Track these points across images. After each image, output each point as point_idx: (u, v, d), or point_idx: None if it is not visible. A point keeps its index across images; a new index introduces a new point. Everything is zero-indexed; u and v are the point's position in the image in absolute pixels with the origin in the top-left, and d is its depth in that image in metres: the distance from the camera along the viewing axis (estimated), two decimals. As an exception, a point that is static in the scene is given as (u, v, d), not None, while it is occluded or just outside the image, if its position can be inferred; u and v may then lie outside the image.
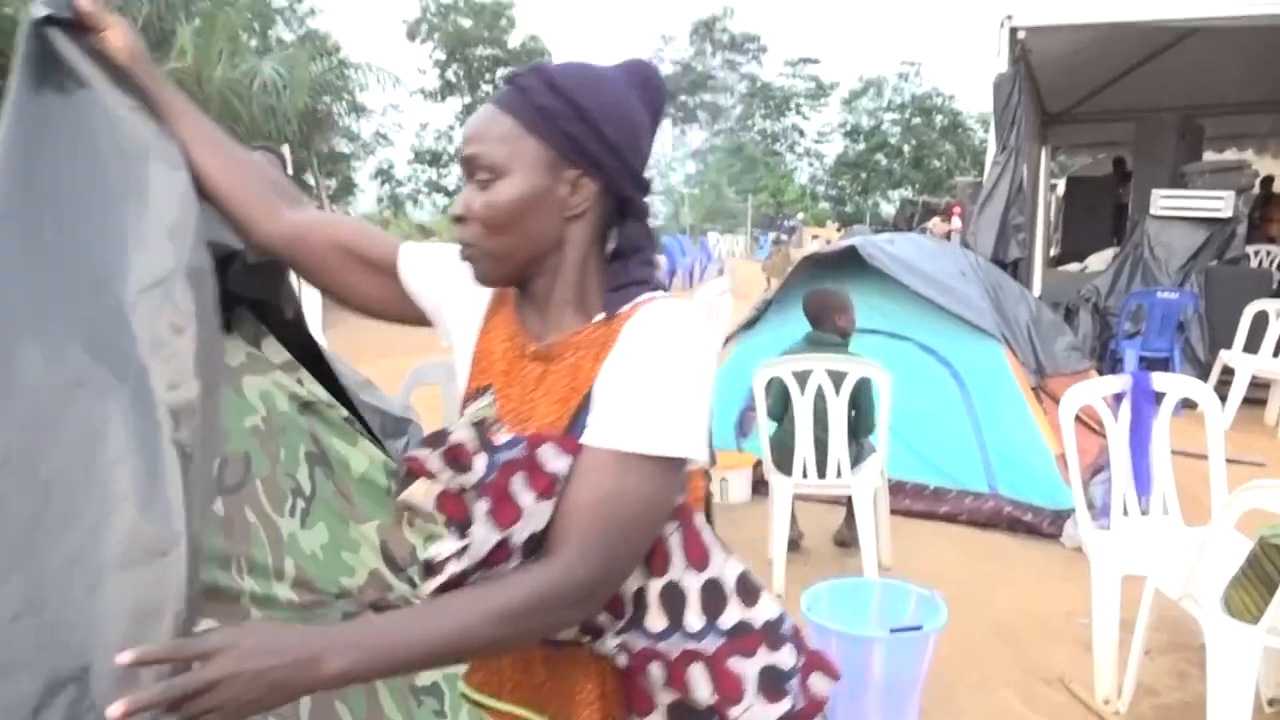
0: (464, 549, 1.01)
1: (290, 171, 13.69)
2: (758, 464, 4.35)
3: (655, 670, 1.07)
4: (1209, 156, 8.97)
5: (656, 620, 1.07)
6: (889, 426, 3.69)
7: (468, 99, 44.10)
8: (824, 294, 3.97)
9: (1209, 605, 2.39)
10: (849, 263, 5.00)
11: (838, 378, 3.51)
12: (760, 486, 4.49)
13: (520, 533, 1.00)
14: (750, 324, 5.32)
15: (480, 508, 1.01)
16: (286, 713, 1.65)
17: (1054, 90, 9.51)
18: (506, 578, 0.99)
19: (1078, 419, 2.99)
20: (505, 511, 1.00)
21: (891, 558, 3.90)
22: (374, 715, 1.84)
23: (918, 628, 2.63)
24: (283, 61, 11.63)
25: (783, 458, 3.70)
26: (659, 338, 1.02)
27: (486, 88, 44.05)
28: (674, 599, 1.07)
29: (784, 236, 24.36)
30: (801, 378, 3.53)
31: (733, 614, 1.09)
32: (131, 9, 12.01)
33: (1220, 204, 7.36)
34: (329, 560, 1.87)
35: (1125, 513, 3.01)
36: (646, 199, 1.13)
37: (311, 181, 16.81)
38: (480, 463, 1.03)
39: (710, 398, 1.05)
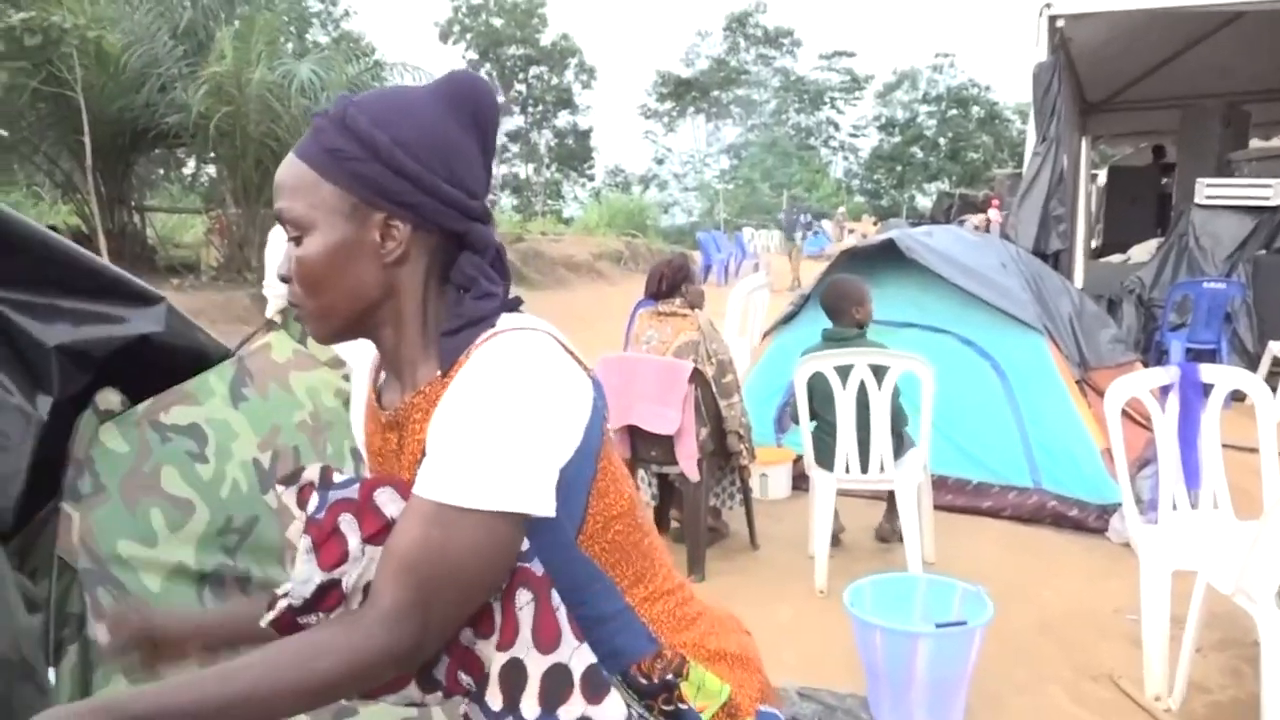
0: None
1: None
2: (797, 459, 4.33)
3: None
4: (1255, 144, 8.79)
5: (494, 697, 0.97)
6: (930, 421, 3.66)
7: (501, 98, 44.30)
8: (840, 285, 3.95)
9: (1264, 601, 2.34)
10: (887, 256, 4.96)
11: (880, 372, 3.49)
12: (800, 481, 4.48)
13: (350, 577, 0.96)
14: (788, 319, 5.30)
15: (302, 544, 0.97)
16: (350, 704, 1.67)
17: (1094, 79, 9.38)
18: (313, 634, 0.92)
19: (1124, 412, 2.95)
20: (328, 551, 0.96)
21: (934, 553, 3.87)
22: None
23: (963, 623, 2.61)
24: (319, 63, 11.74)
25: (824, 453, 3.69)
26: (484, 382, 0.94)
27: (519, 87, 44.30)
28: (514, 679, 0.96)
29: (810, 229, 20.86)
30: (843, 372, 3.52)
31: (574, 708, 0.96)
32: (173, 15, 12.22)
33: (1268, 191, 7.22)
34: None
35: (1174, 507, 2.96)
36: (483, 226, 1.04)
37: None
38: (314, 501, 1.00)
39: (557, 444, 0.97)
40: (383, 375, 1.14)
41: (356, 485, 0.98)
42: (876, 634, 2.58)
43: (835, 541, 3.99)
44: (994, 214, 19.27)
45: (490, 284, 1.03)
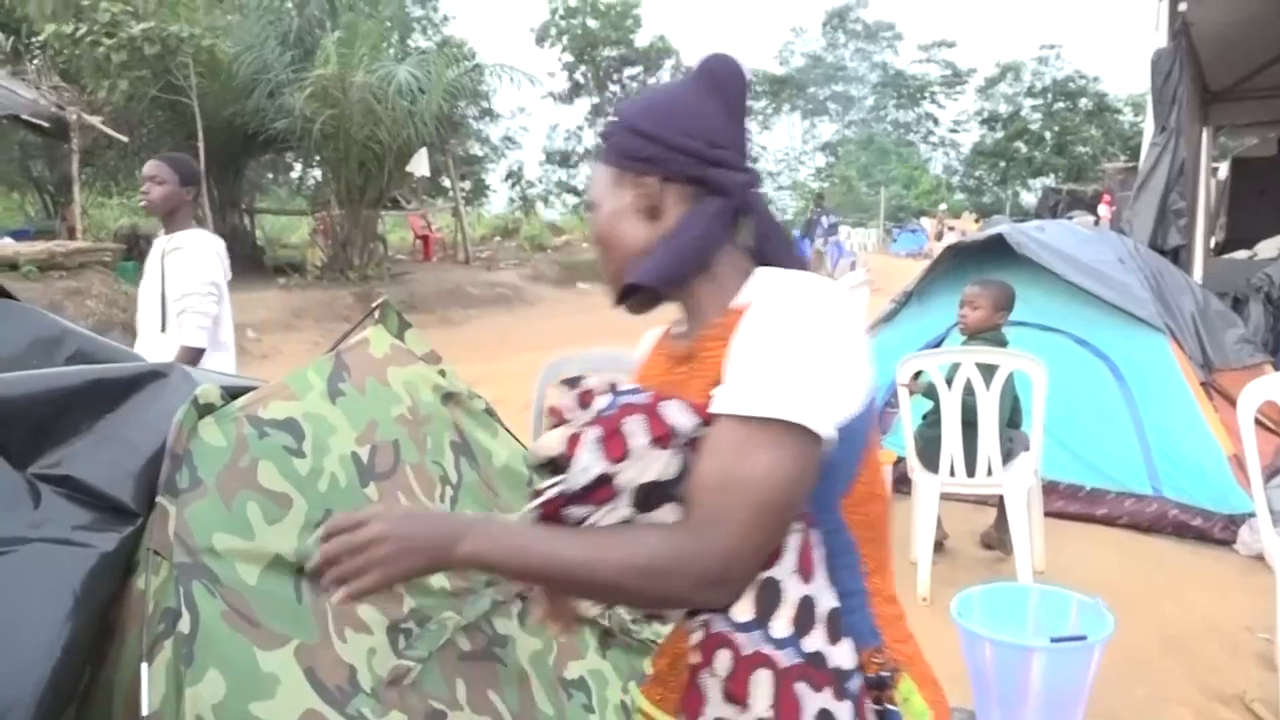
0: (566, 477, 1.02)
1: (428, 174, 14.12)
2: (899, 461, 4.20)
3: (721, 661, 1.00)
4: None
5: (744, 610, 1.00)
6: (1043, 423, 3.48)
7: (595, 99, 44.58)
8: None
9: None
10: (994, 252, 4.77)
11: (988, 371, 3.34)
12: (902, 484, 4.33)
13: (627, 474, 0.99)
14: (889, 317, 5.15)
15: (590, 435, 1.01)
16: (445, 698, 1.65)
17: (1217, 66, 8.88)
18: (645, 531, 0.99)
19: (1254, 418, 2.75)
20: (613, 445, 1.00)
21: (1044, 562, 3.69)
22: (526, 705, 1.82)
23: (1082, 638, 2.46)
24: (417, 66, 11.96)
25: (928, 454, 3.55)
26: (785, 310, 1.01)
27: (614, 88, 44.48)
28: (769, 596, 1.00)
29: (832, 232, 18.04)
30: (949, 371, 3.38)
31: (815, 641, 1.00)
32: (282, 24, 12.60)
33: None
34: (474, 551, 1.86)
35: (1315, 518, 2.75)
36: (723, 171, 1.12)
37: (448, 184, 17.27)
38: (603, 400, 1.05)
39: (842, 372, 1.00)
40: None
41: (646, 394, 1.03)
42: (986, 646, 2.45)
43: (938, 548, 3.84)
44: (1104, 210, 18.53)
45: (714, 230, 1.13)
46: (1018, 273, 4.68)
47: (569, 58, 42.96)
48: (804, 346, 0.98)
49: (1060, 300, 4.60)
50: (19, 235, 10.37)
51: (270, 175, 20.75)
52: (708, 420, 1.00)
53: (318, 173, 16.11)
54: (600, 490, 1.00)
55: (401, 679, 1.57)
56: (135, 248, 13.42)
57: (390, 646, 1.61)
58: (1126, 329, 4.44)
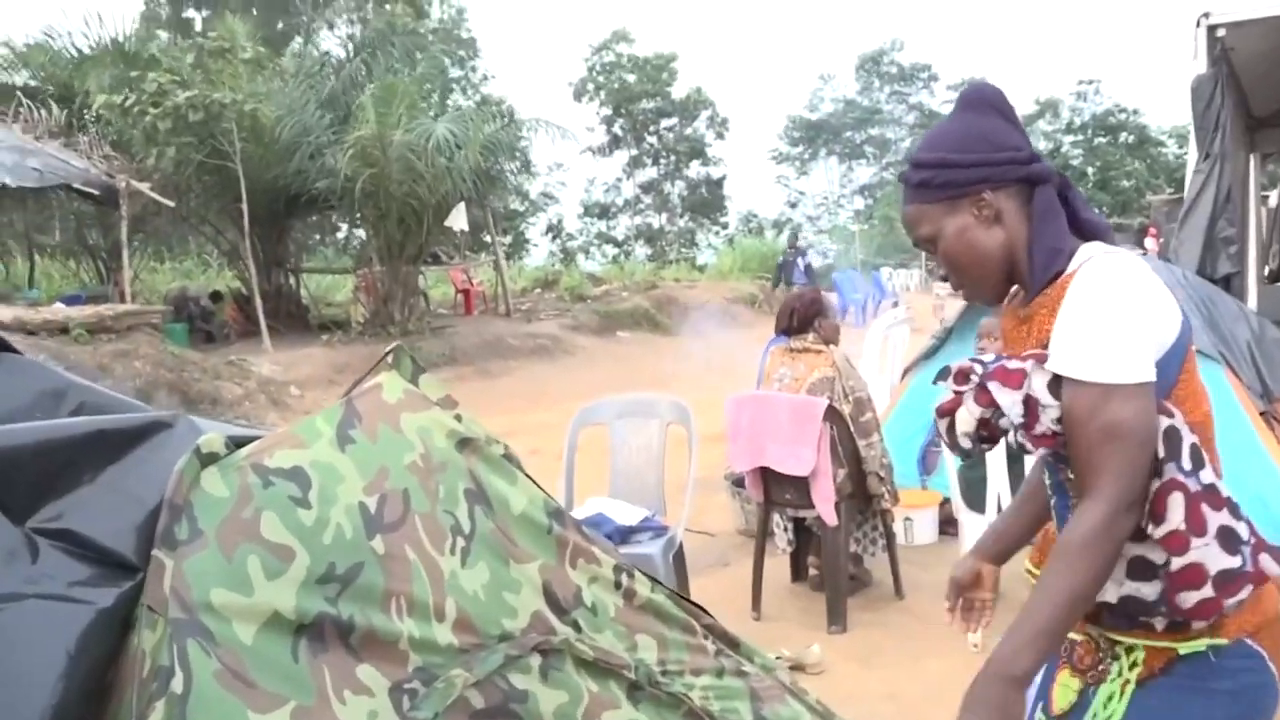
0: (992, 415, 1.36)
1: (467, 228, 14.27)
2: (945, 502, 4.06)
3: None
4: None
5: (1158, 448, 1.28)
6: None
7: (634, 150, 45.08)
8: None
9: None
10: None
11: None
12: (948, 526, 4.18)
13: (1007, 418, 1.34)
14: (929, 354, 5.02)
15: (993, 384, 1.34)
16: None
17: (1261, 91, 8.69)
18: (1071, 528, 1.26)
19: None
20: (1010, 378, 1.33)
21: (1103, 604, 3.51)
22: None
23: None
24: (455, 122, 12.15)
25: (973, 494, 3.42)
26: (1093, 288, 1.29)
27: (651, 139, 44.95)
28: (1173, 440, 1.29)
29: (808, 273, 17.51)
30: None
31: (1207, 476, 1.29)
32: (319, 88, 12.89)
33: None
34: (490, 600, 1.78)
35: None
36: (1039, 165, 1.41)
37: (489, 238, 17.47)
38: (978, 369, 1.39)
39: (1149, 324, 1.30)
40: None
41: (993, 360, 1.39)
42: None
43: (990, 592, 3.69)
44: (1151, 244, 18.19)
45: (1057, 211, 1.39)
46: (1061, 305, 4.56)
47: (606, 111, 43.54)
48: (1118, 312, 1.27)
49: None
50: (71, 301, 10.61)
51: (318, 236, 21.19)
52: (1037, 357, 1.32)
53: (361, 232, 16.38)
54: (1027, 417, 1.32)
55: (408, 740, 1.49)
56: (184, 309, 13.71)
57: (394, 709, 1.53)
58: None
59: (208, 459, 1.51)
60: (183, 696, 1.28)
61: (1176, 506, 1.26)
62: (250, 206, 12.03)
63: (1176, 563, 1.26)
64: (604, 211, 46.79)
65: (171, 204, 11.39)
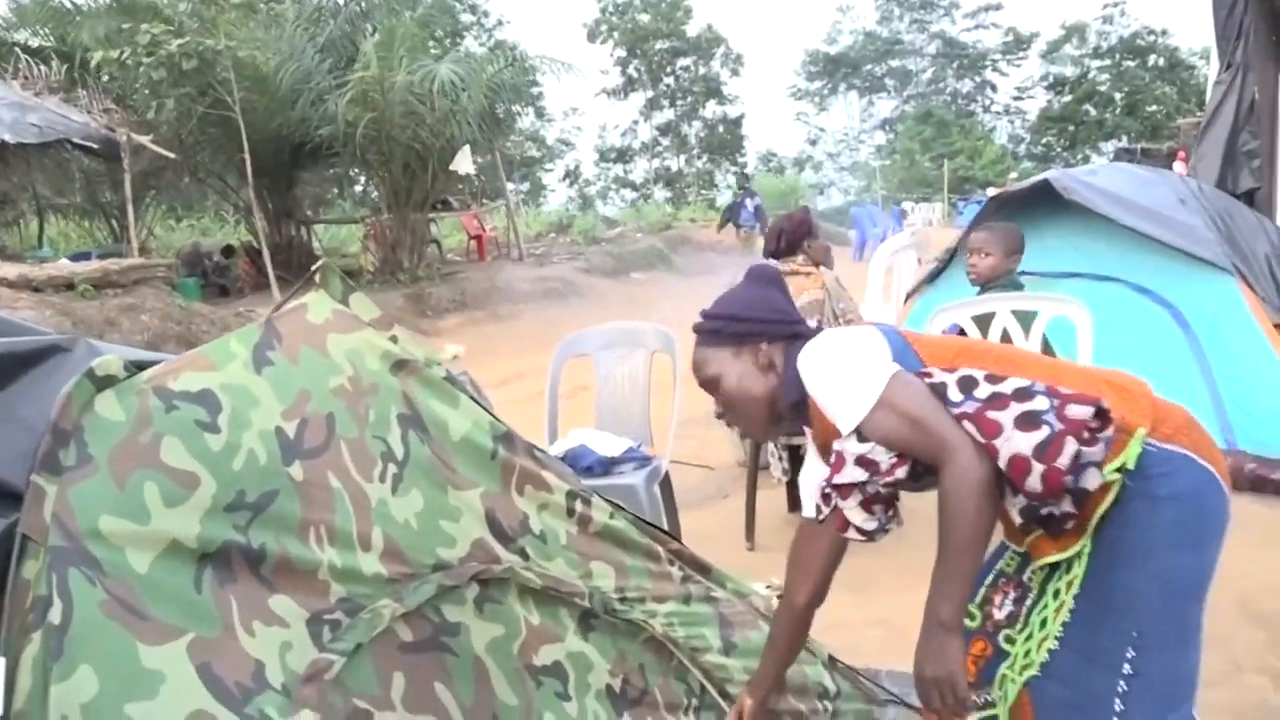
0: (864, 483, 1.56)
1: (473, 171, 14.09)
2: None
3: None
4: None
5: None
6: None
7: (649, 92, 44.41)
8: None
9: None
10: (1043, 202, 4.46)
11: (1026, 319, 3.06)
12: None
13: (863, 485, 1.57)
14: (932, 277, 4.86)
15: (835, 489, 1.60)
16: (374, 695, 1.49)
17: (1289, -2, 8.29)
18: (940, 500, 1.44)
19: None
20: (836, 470, 1.56)
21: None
22: (483, 697, 1.65)
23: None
24: (458, 63, 11.90)
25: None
26: (812, 362, 1.62)
27: (667, 80, 44.20)
28: (939, 389, 1.48)
29: (758, 215, 18.04)
30: (983, 322, 3.11)
31: (981, 391, 1.46)
32: (318, 32, 12.67)
33: None
34: (425, 529, 1.69)
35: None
36: (801, 326, 1.74)
37: (502, 184, 17.26)
38: (825, 491, 1.64)
39: (866, 346, 1.60)
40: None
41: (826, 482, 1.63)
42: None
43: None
44: (1179, 167, 17.69)
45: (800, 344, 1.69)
46: (1069, 222, 4.39)
47: (621, 53, 42.86)
48: (835, 358, 1.60)
49: (1117, 248, 4.27)
50: (80, 258, 10.58)
51: (336, 190, 21.02)
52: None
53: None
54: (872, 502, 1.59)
55: (321, 674, 1.40)
56: (198, 265, 13.68)
57: (311, 640, 1.45)
58: (1190, 273, 4.09)
59: (104, 382, 1.41)
60: (61, 627, 1.20)
61: (971, 429, 1.43)
62: (256, 158, 11.89)
63: (1002, 464, 1.40)
64: (621, 155, 46.31)
65: (173, 155, 11.27)
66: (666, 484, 3.35)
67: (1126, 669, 1.44)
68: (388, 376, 1.78)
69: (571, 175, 43.89)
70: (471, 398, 1.94)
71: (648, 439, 3.42)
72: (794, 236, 3.60)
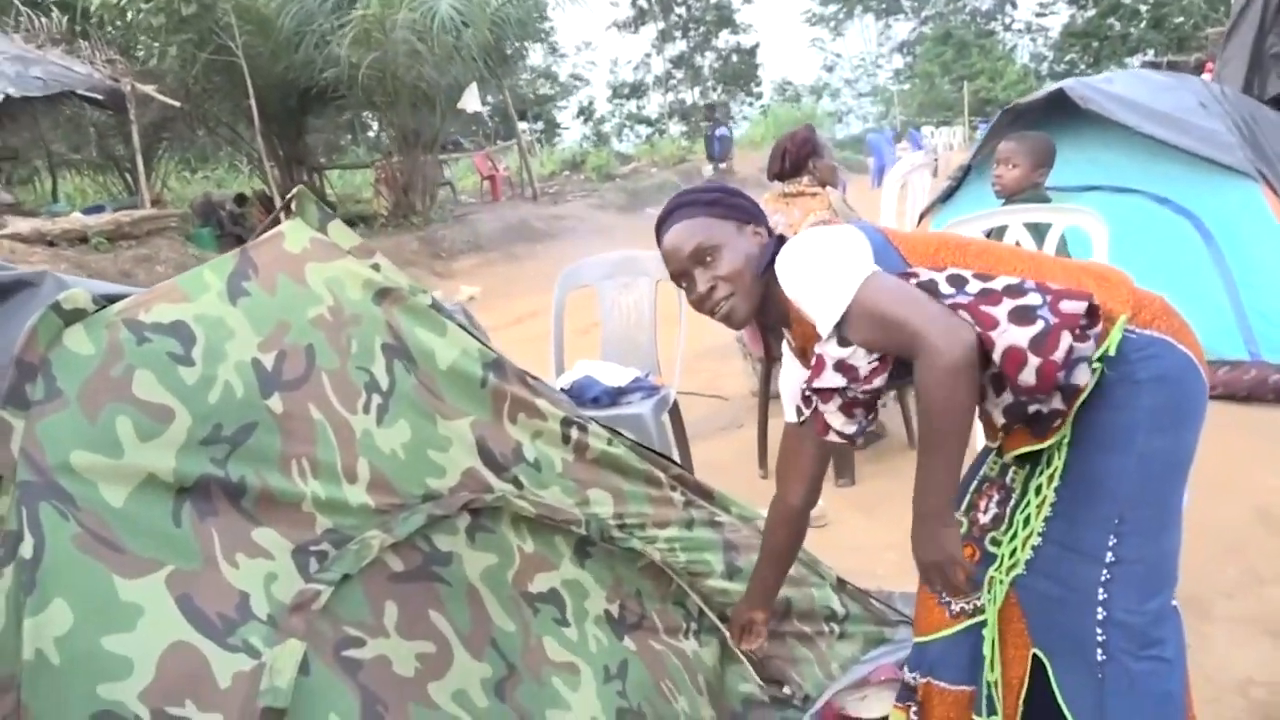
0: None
1: (480, 109, 13.91)
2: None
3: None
4: None
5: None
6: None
7: (661, 24, 43.49)
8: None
9: None
10: (1058, 113, 4.31)
11: (1040, 231, 2.97)
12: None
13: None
14: (946, 196, 4.74)
15: (815, 391, 1.57)
16: (366, 623, 1.47)
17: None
18: (919, 397, 1.42)
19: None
20: (816, 374, 1.54)
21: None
22: (480, 622, 1.63)
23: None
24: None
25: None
26: (789, 263, 1.57)
27: (678, 10, 43.25)
28: (929, 286, 1.46)
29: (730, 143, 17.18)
30: (996, 236, 3.02)
31: (973, 286, 1.45)
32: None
33: None
34: (412, 460, 1.66)
35: None
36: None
37: (519, 124, 17.04)
38: (805, 394, 1.63)
39: (845, 244, 1.55)
40: None
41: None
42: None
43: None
44: (1207, 79, 17.14)
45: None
46: (1086, 133, 4.25)
47: (630, -19, 41.93)
48: (812, 258, 1.55)
49: (1135, 157, 4.14)
50: (93, 212, 10.57)
51: (350, 136, 20.84)
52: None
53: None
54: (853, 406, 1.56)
55: (309, 604, 1.39)
56: (212, 215, 13.65)
57: (298, 570, 1.43)
58: (1212, 180, 3.96)
59: (72, 316, 1.38)
60: (33, 561, 1.18)
61: (966, 318, 1.41)
62: (263, 104, 11.77)
63: (996, 356, 1.39)
64: (634, 91, 45.55)
65: (178, 104, 11.16)
66: (676, 413, 3.32)
67: (1109, 556, 1.43)
68: (370, 305, 1.74)
69: (585, 112, 43.31)
70: (462, 326, 1.90)
71: (655, 368, 3.38)
72: (798, 156, 3.49)
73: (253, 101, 11.13)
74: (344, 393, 1.62)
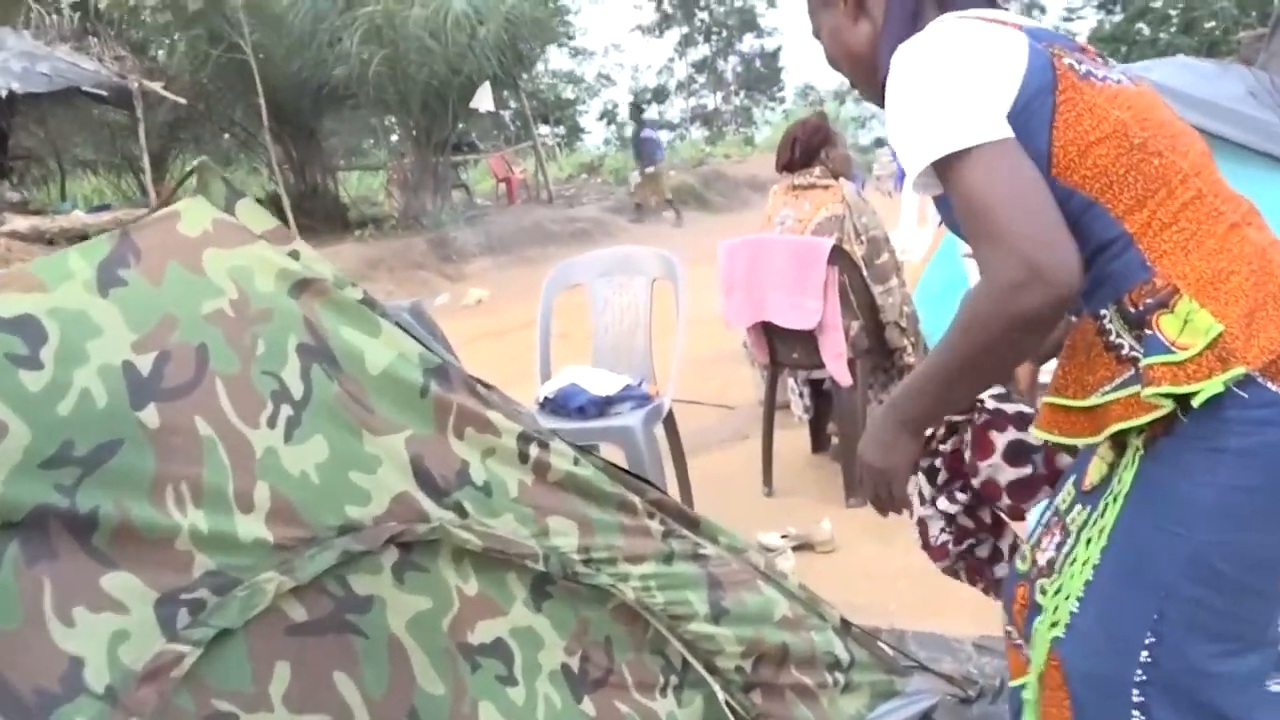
0: None
1: (493, 109, 13.67)
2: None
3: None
4: None
5: None
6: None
7: (684, 28, 43.31)
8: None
9: None
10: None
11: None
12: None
13: None
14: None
15: None
16: (243, 693, 1.19)
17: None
18: (962, 309, 1.13)
19: None
20: None
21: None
22: (398, 688, 1.35)
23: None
24: (474, -5, 11.43)
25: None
26: (900, 68, 1.19)
27: (702, 15, 43.03)
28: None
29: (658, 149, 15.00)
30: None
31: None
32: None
33: None
34: (328, 484, 1.38)
35: None
36: None
37: (540, 129, 16.84)
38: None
39: (985, 87, 1.13)
40: None
41: None
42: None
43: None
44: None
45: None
46: (1124, 125, 3.93)
47: (652, -16, 41.81)
48: (926, 81, 1.15)
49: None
50: (98, 211, 10.42)
51: (371, 141, 20.67)
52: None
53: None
54: None
55: (167, 670, 1.11)
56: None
57: (159, 626, 1.15)
58: (1261, 173, 3.63)
59: (-113, 310, 1.12)
60: None
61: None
62: (275, 104, 11.60)
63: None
64: (657, 95, 45.40)
65: (185, 101, 11.00)
66: (671, 425, 3.03)
67: (1144, 655, 1.13)
68: (285, 299, 1.46)
69: (609, 115, 43.13)
70: (406, 329, 1.62)
71: (650, 375, 3.09)
72: (810, 145, 3.21)
73: (261, 100, 10.95)
74: (243, 403, 1.35)
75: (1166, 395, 1.06)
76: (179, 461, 1.25)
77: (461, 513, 1.52)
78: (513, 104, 17.35)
